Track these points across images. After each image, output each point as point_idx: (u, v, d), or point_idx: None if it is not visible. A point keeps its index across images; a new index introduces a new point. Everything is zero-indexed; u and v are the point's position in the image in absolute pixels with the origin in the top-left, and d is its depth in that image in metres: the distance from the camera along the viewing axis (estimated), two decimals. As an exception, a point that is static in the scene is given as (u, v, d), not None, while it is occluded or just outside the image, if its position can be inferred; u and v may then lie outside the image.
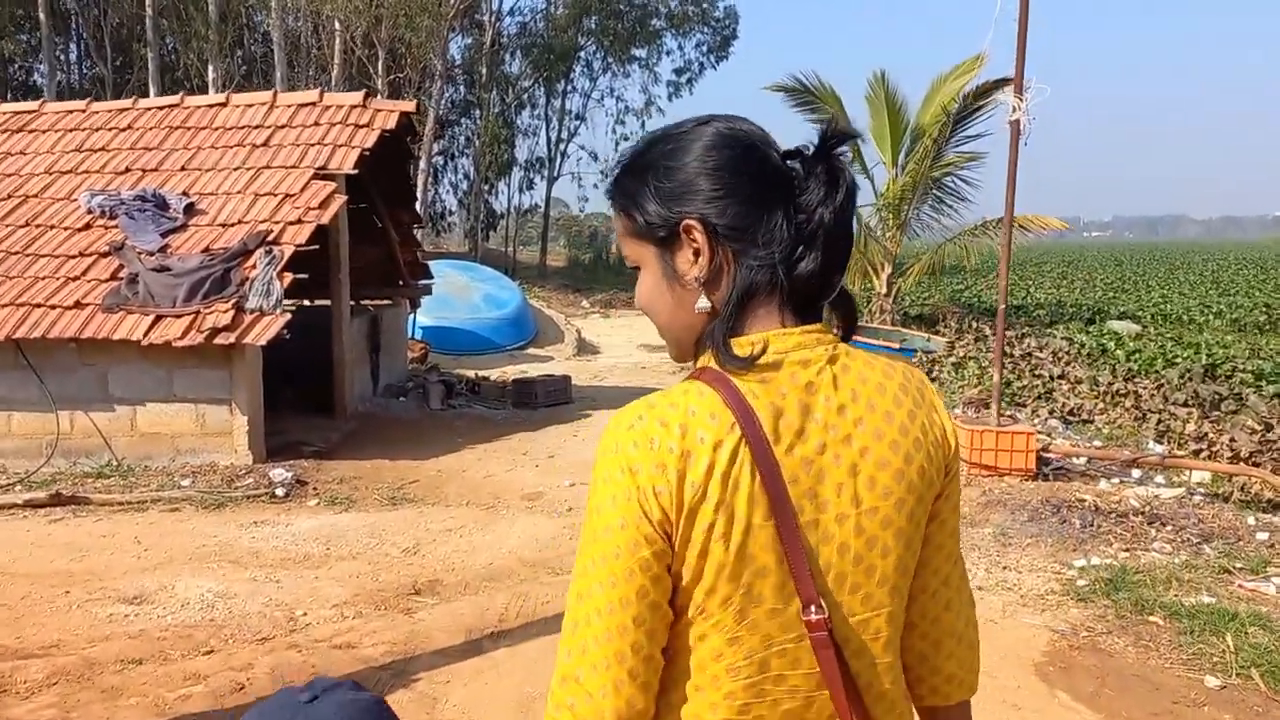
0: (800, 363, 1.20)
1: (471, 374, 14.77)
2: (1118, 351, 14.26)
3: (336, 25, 29.12)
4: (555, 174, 44.93)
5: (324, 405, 10.76)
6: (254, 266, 8.51)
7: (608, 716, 1.15)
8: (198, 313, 8.15)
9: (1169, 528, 6.70)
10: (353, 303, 13.32)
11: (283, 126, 10.24)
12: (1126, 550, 6.30)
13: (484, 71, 39.41)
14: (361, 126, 10.15)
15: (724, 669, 1.18)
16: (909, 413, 1.24)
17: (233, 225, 9.06)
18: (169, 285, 8.27)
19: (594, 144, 68.69)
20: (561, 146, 44.92)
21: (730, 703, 1.18)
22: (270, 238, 8.79)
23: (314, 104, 10.46)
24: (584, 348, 18.62)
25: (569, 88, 44.41)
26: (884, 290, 19.36)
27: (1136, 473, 8.65)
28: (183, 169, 9.82)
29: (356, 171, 9.72)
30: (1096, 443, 9.96)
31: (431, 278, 13.57)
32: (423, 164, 33.13)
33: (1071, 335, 16.14)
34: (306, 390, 11.11)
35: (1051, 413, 11.60)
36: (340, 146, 9.89)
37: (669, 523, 1.14)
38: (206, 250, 8.75)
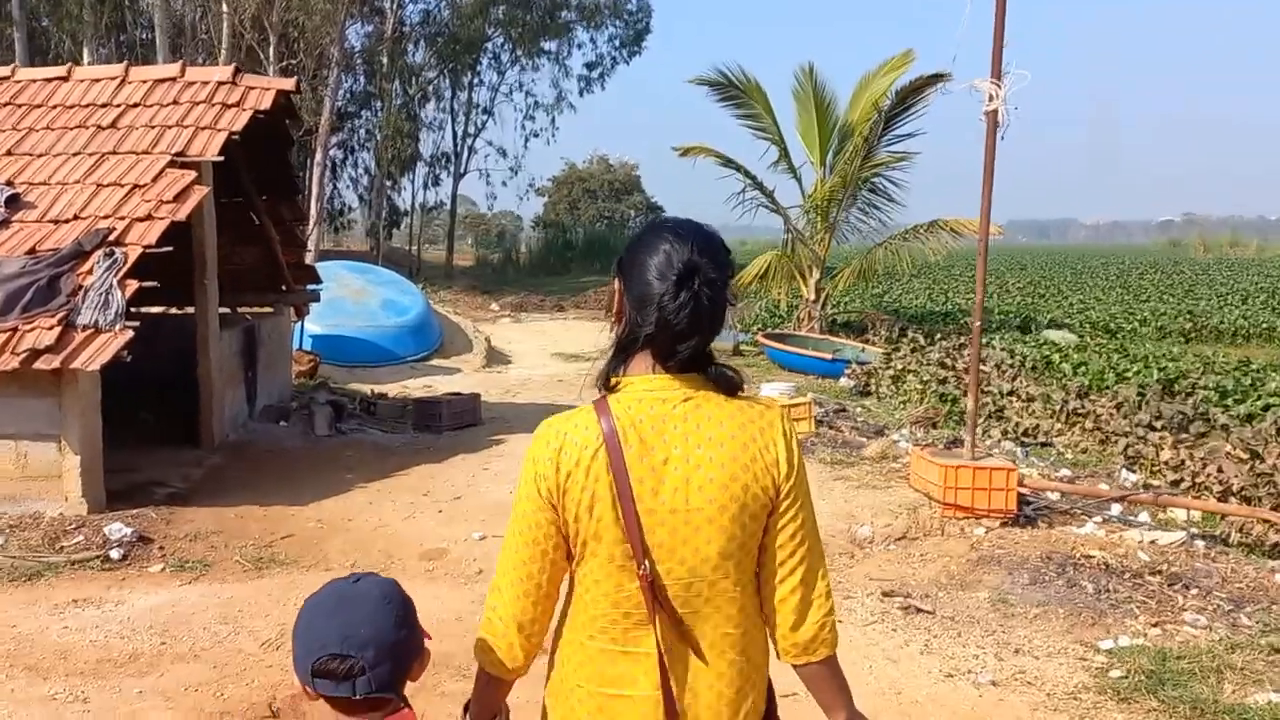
0: (660, 399, 1.80)
1: (368, 389, 13.25)
2: (1063, 365, 13.47)
3: (224, 7, 26.98)
4: (462, 170, 43.23)
5: (192, 433, 9.21)
6: (89, 272, 6.97)
7: (511, 612, 1.84)
8: (15, 330, 6.59)
9: (1193, 591, 5.68)
10: (228, 311, 11.76)
11: (135, 105, 8.66)
12: (1155, 624, 5.24)
13: (385, 61, 37.50)
14: (230, 106, 8.62)
15: (597, 594, 1.82)
16: (741, 445, 1.80)
17: (66, 222, 7.49)
18: (-22, 295, 6.67)
19: (502, 140, 66.78)
20: (468, 142, 43.22)
21: (600, 611, 1.82)
22: (112, 237, 7.25)
23: (173, 79, 8.90)
24: (494, 358, 17.21)
25: (476, 80, 42.74)
26: (812, 296, 18.42)
27: (1116, 508, 7.71)
28: (8, 154, 8.17)
29: (222, 158, 8.22)
30: (1065, 471, 9.01)
31: (320, 282, 12.03)
32: (319, 156, 31.22)
33: (1010, 347, 15.34)
34: (171, 415, 9.53)
35: (1005, 434, 10.66)
36: (204, 129, 8.36)
37: (554, 497, 1.80)
38: (31, 252, 7.17)
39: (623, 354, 1.84)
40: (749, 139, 19.12)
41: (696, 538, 1.76)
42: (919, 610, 5.45)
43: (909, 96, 17.02)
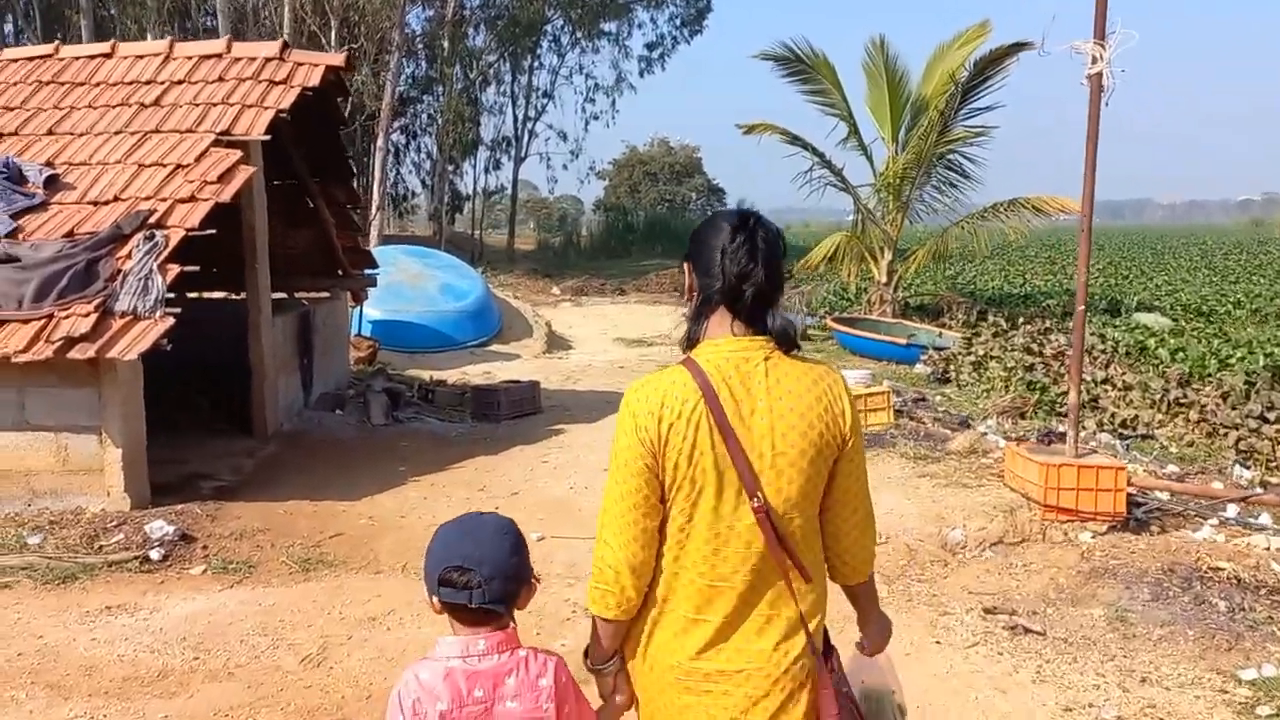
0: (743, 359, 2.08)
1: (427, 376, 12.90)
2: (1159, 350, 12.62)
3: (287, -8, 26.81)
4: (523, 154, 42.89)
5: (246, 422, 8.90)
6: (129, 256, 6.62)
7: (622, 557, 2.07)
8: (50, 316, 6.26)
9: (1342, 609, 5.00)
10: (284, 296, 11.47)
11: (179, 83, 8.32)
12: (1304, 650, 4.59)
13: (446, 45, 37.19)
14: (278, 83, 8.24)
15: (691, 540, 2.07)
16: (813, 400, 2.08)
17: (106, 203, 7.16)
18: (15, 281, 6.36)
19: (562, 123, 66.31)
20: (529, 125, 42.87)
21: (696, 559, 2.07)
22: (153, 219, 6.90)
23: (220, 56, 8.54)
24: (554, 343, 16.78)
25: (536, 64, 42.33)
26: (884, 278, 17.67)
27: (1233, 509, 7.00)
28: (50, 133, 7.87)
29: (269, 137, 7.83)
30: (1172, 468, 8.29)
31: (376, 266, 11.66)
32: (380, 141, 31.05)
33: (1100, 331, 14.49)
34: (227, 403, 9.24)
35: (1101, 425, 9.93)
36: (250, 107, 7.98)
37: (655, 446, 2.03)
38: (70, 235, 6.84)
39: (701, 315, 2.14)
40: (815, 117, 18.54)
41: (780, 479, 2.04)
42: (1027, 630, 4.85)
43: (987, 68, 16.17)
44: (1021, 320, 15.50)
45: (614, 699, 2.20)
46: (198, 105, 8.01)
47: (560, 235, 49.59)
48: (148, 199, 7.12)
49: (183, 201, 7.08)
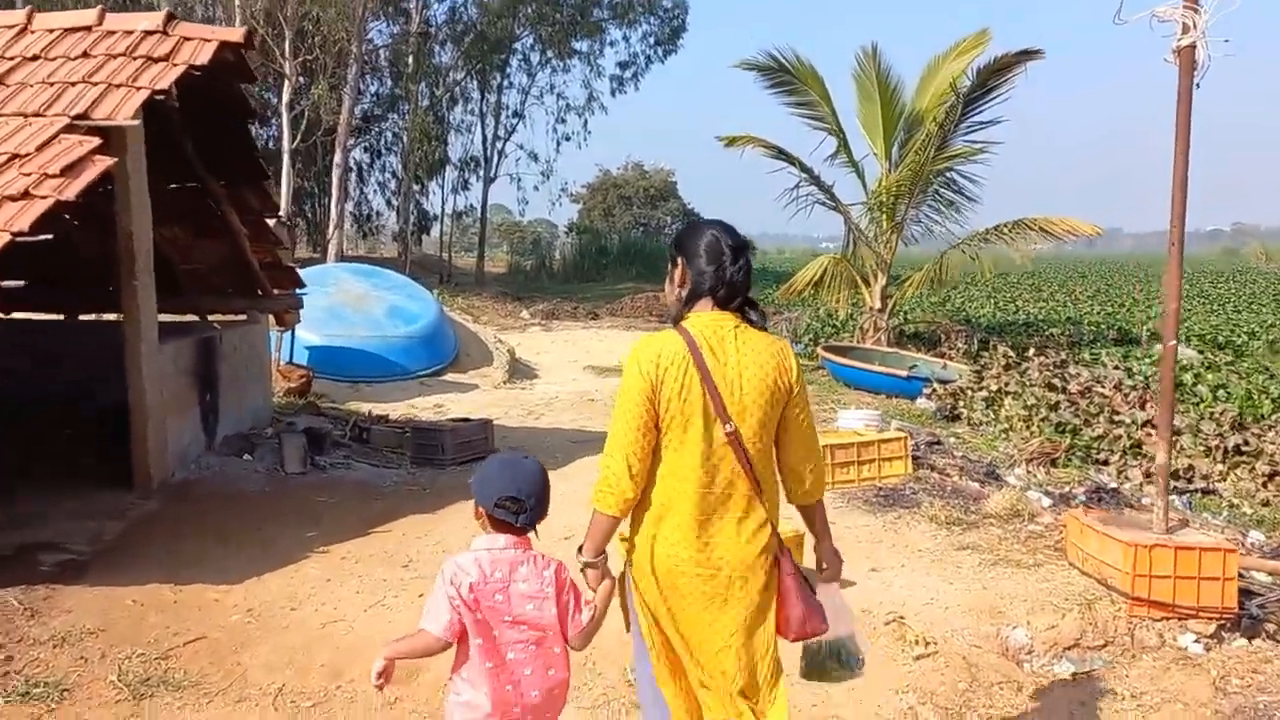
0: (719, 327, 2.78)
1: (366, 410, 11.27)
2: (1198, 387, 11.22)
3: (235, 1, 25.17)
4: (492, 174, 41.45)
5: (126, 471, 7.26)
6: (-66, 263, 5.00)
7: (623, 465, 2.70)
8: None
9: None
10: (192, 319, 9.85)
11: (34, 59, 6.72)
12: None
13: (410, 62, 35.69)
14: (157, 60, 6.65)
15: (681, 455, 2.73)
16: (769, 359, 2.77)
17: (-81, 196, 5.53)
18: None
19: (533, 143, 65.12)
20: (498, 145, 41.46)
21: (686, 470, 2.72)
22: (-26, 216, 5.28)
23: (88, 29, 6.95)
24: (517, 371, 15.20)
25: (505, 82, 40.96)
26: (877, 304, 16.24)
27: (1347, 591, 5.52)
28: None
29: (137, 122, 6.26)
30: (1256, 535, 6.82)
31: (303, 285, 10.05)
32: (338, 157, 29.58)
33: (1124, 364, 13.10)
34: (107, 448, 7.59)
35: (1149, 476, 8.47)
36: (118, 87, 6.38)
37: (653, 386, 2.70)
38: None
39: (691, 303, 2.85)
40: (801, 133, 17.10)
41: (745, 414, 2.73)
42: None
43: (990, 78, 14.88)
44: (1032, 351, 14.07)
45: (598, 592, 2.78)
46: (51, 85, 6.41)
47: (533, 258, 48.12)
48: (-29, 192, 5.50)
49: (12, 199, 5.46)
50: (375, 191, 42.53)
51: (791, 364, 2.80)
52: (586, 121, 41.56)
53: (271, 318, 10.14)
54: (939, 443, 9.77)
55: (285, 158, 27.64)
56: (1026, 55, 14.40)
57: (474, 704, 2.62)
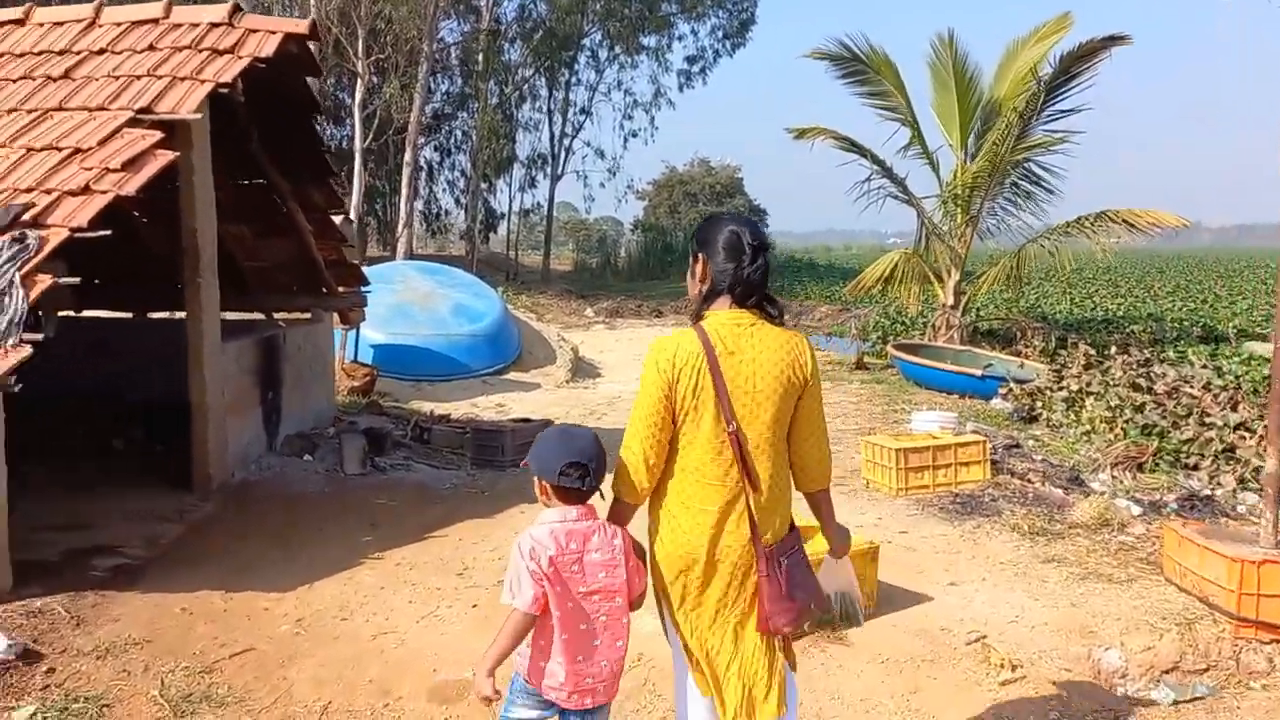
0: (736, 324, 2.82)
1: (428, 409, 11.19)
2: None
3: (311, 1, 25.33)
4: (559, 172, 41.48)
5: (186, 472, 7.22)
6: (-13, 263, 4.94)
7: (641, 455, 2.77)
8: None
9: None
10: (259, 317, 9.83)
11: (100, 52, 6.68)
12: None
13: (480, 60, 35.81)
14: (221, 53, 6.57)
15: (694, 450, 2.80)
16: (785, 353, 2.83)
17: (-24, 195, 5.49)
18: None
19: (600, 140, 64.95)
20: (565, 143, 41.49)
21: (693, 464, 2.80)
22: (28, 216, 5.22)
23: (155, 22, 6.90)
24: (580, 370, 15.02)
25: (573, 79, 40.94)
26: (950, 301, 15.73)
27: None
28: (-73, 110, 6.26)
29: (199, 115, 6.15)
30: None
31: (367, 283, 9.97)
32: (408, 156, 29.80)
33: (1212, 363, 12.45)
34: (169, 447, 7.57)
35: (1243, 482, 7.98)
36: (182, 80, 6.31)
37: (670, 382, 2.76)
38: (-82, 235, 5.17)
39: (710, 300, 2.89)
40: (872, 125, 16.65)
41: (758, 409, 2.80)
42: None
43: (1073, 64, 14.28)
44: (1113, 349, 13.47)
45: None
46: (116, 78, 6.36)
47: (599, 256, 48.08)
48: (29, 190, 5.45)
49: (73, 194, 5.40)
50: (444, 190, 42.87)
51: (807, 358, 2.87)
52: (654, 118, 41.40)
53: (336, 316, 10.08)
54: (1018, 446, 9.33)
55: (357, 157, 27.90)
56: (1113, 41, 13.80)
57: (551, 672, 2.72)
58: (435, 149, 41.24)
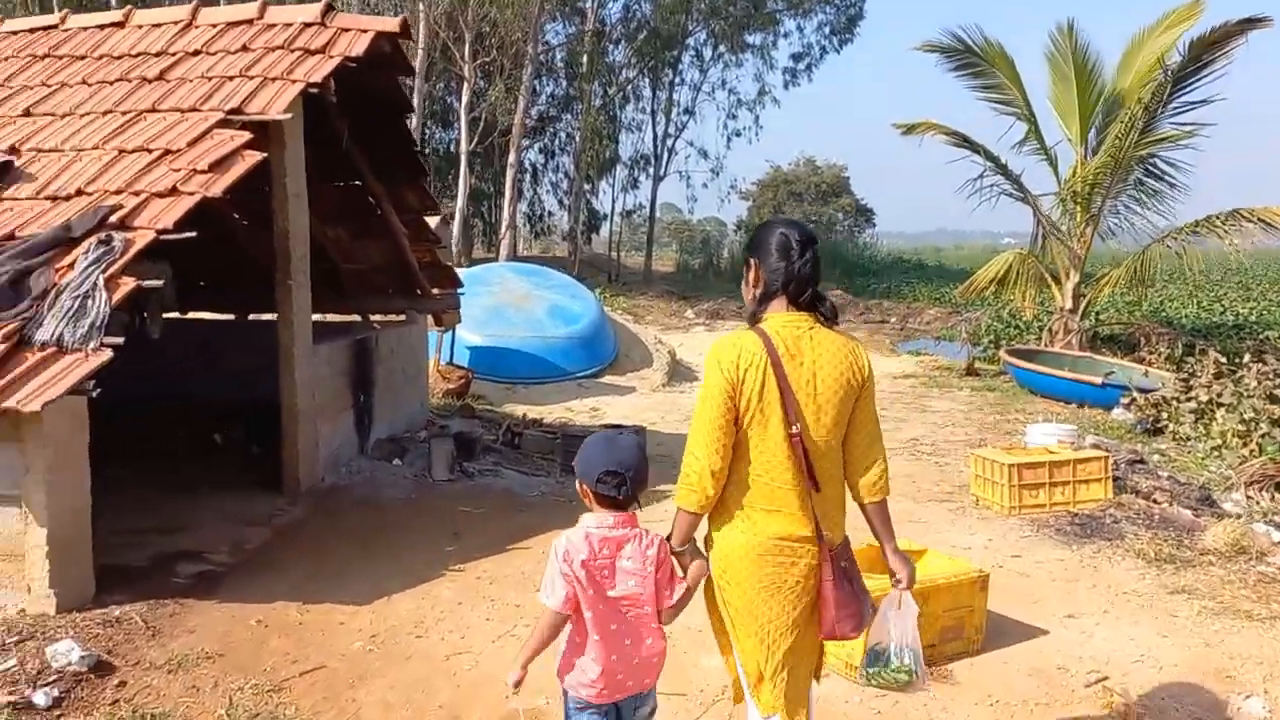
0: (795, 328, 2.83)
1: (521, 413, 11.06)
2: None
3: (420, 5, 25.62)
4: (662, 172, 41.23)
5: (277, 475, 7.21)
6: (71, 267, 4.93)
7: (707, 464, 2.74)
8: (-51, 348, 4.59)
9: None
10: (357, 319, 9.84)
11: (195, 54, 6.71)
12: None
13: (585, 61, 35.87)
14: (313, 53, 6.52)
15: (757, 453, 2.78)
16: (842, 358, 2.82)
17: (66, 198, 5.52)
18: (-86, 298, 4.73)
19: (703, 140, 64.77)
20: (668, 143, 41.19)
21: (760, 467, 2.78)
22: (115, 218, 5.20)
23: (249, 23, 6.90)
24: (677, 374, 14.74)
25: (677, 79, 40.63)
26: (1068, 304, 14.97)
27: None
28: (26, 114, 6.34)
29: (289, 115, 6.08)
30: None
31: (461, 286, 9.89)
32: (512, 158, 29.99)
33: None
34: (264, 450, 7.59)
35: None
36: (273, 80, 6.27)
37: (734, 385, 2.74)
38: (9, 238, 5.20)
39: (765, 301, 2.91)
40: (985, 120, 15.98)
41: (820, 412, 2.79)
42: None
43: (1204, 51, 13.42)
44: (1247, 357, 12.58)
45: (690, 570, 2.87)
46: (209, 79, 6.36)
47: (701, 257, 47.72)
48: (118, 192, 5.45)
49: (160, 195, 5.38)
50: (548, 191, 43.10)
51: (864, 362, 2.89)
52: (758, 117, 40.90)
53: (430, 318, 10.03)
54: (1142, 461, 8.70)
55: (463, 159, 28.21)
56: (1250, 24, 12.89)
57: (583, 668, 2.83)
58: (540, 151, 41.49)
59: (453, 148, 34.11)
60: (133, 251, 5.02)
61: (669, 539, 2.86)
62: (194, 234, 5.23)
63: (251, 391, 8.41)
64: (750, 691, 2.88)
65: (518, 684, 2.83)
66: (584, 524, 2.81)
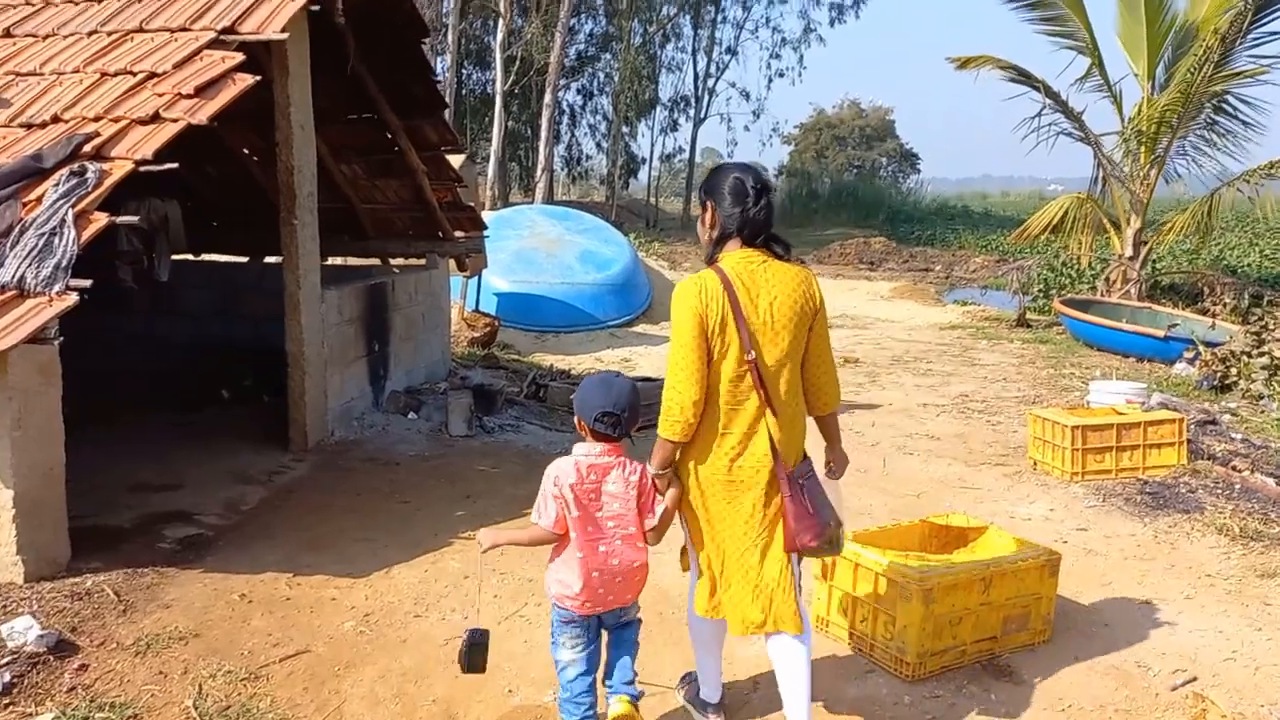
0: (749, 263, 3.00)
1: (549, 363, 10.58)
2: None
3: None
4: (702, 115, 40.27)
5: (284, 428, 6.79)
6: (40, 200, 4.44)
7: (689, 395, 2.94)
8: (-101, 290, 4.13)
9: None
10: (375, 263, 9.36)
11: (188, -33, 6.12)
12: None
13: (625, -1, 34.83)
14: (316, -35, 5.92)
15: (720, 380, 2.98)
16: (796, 287, 3.02)
17: (42, 125, 5.02)
18: None
19: (745, 81, 63.36)
20: (709, 83, 40.17)
21: (723, 393, 2.98)
22: (89, 147, 4.70)
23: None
24: (714, 322, 14.15)
25: (719, 16, 39.45)
26: (1128, 252, 14.15)
27: None
28: (5, 34, 5.84)
29: (285, 35, 5.51)
30: None
31: (485, 228, 9.35)
32: (547, 98, 29.20)
33: None
34: (275, 400, 7.17)
35: None
36: (272, -5, 5.70)
37: (702, 317, 2.93)
38: (-25, 170, 4.72)
39: (721, 243, 3.08)
40: (1042, 56, 15.05)
41: (777, 339, 2.99)
42: None
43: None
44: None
45: (668, 494, 3.10)
46: (201, -3, 5.79)
47: (741, 203, 46.71)
48: (97, 119, 4.94)
49: (141, 122, 4.86)
50: (586, 134, 42.30)
51: (816, 290, 3.09)
52: (802, 56, 39.66)
53: (453, 263, 9.51)
54: (1213, 422, 8.06)
55: (498, 100, 27.49)
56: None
57: (566, 583, 3.09)
58: (578, 92, 40.63)
59: (489, 89, 33.37)
60: (108, 184, 4.52)
61: (648, 463, 3.10)
62: (175, 165, 4.72)
63: (268, 338, 8.01)
64: (696, 588, 3.21)
65: (486, 550, 3.23)
66: (575, 452, 3.10)
